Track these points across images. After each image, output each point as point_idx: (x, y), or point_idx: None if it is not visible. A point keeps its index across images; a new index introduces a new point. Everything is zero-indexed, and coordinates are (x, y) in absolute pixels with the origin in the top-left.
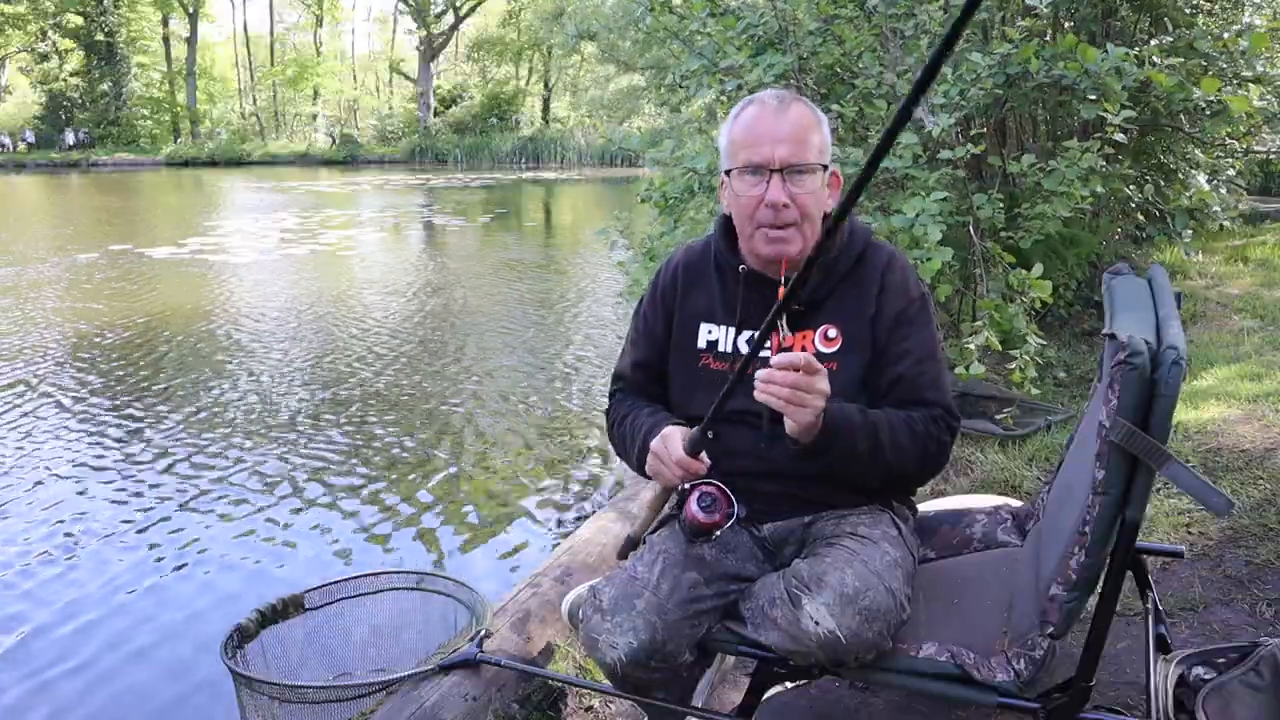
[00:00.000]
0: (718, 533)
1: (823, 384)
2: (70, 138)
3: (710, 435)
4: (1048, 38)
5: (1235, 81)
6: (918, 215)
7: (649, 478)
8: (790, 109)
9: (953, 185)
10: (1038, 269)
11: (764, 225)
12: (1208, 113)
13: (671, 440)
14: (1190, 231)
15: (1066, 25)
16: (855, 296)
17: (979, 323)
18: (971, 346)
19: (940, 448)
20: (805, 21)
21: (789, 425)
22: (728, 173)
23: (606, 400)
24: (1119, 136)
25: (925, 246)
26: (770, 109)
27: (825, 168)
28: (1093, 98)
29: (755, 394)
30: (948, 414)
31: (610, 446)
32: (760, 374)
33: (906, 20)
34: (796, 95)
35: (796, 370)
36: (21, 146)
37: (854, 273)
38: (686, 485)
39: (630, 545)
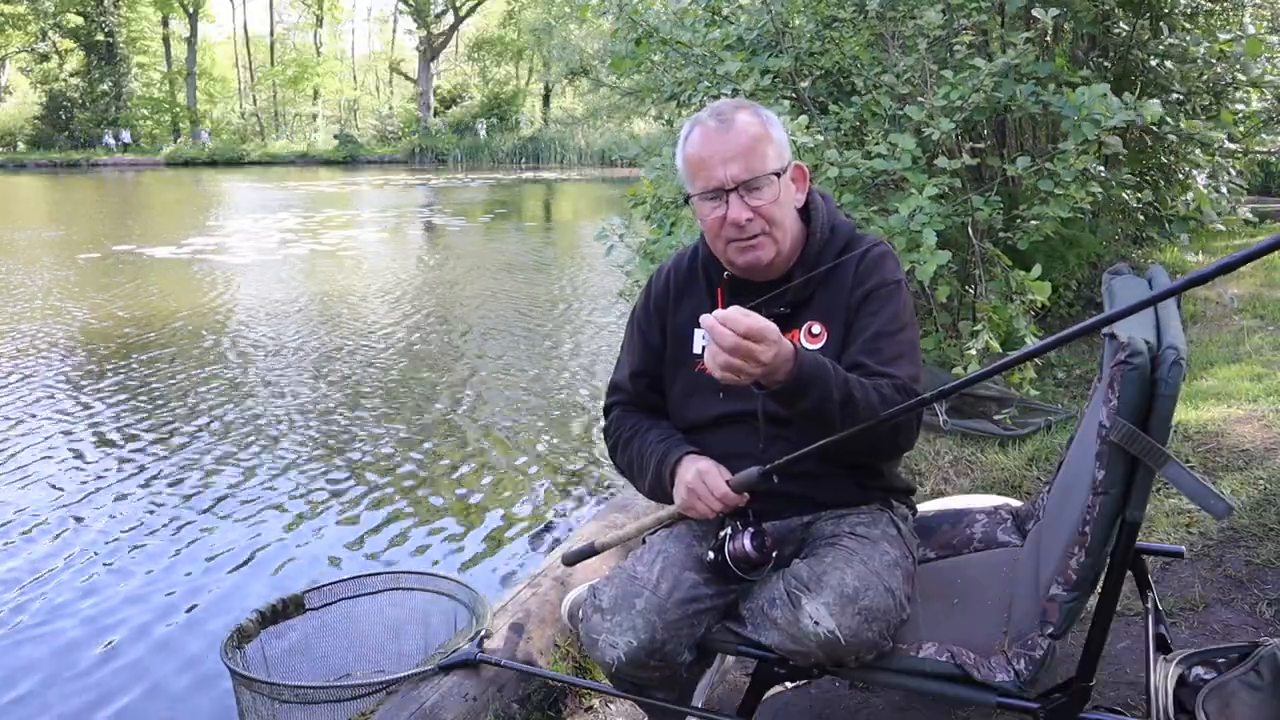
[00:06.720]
0: (757, 571)
1: (763, 350)
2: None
3: (775, 480)
4: (1048, 42)
5: (1233, 85)
6: (913, 214)
7: (657, 500)
8: (734, 123)
9: (951, 187)
10: (1036, 270)
11: (733, 240)
12: (1204, 118)
13: (711, 478)
14: (1187, 237)
15: (1066, 27)
16: (837, 290)
17: (978, 326)
18: (973, 351)
19: (907, 419)
20: (803, 25)
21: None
22: (689, 199)
23: (604, 409)
24: (1113, 140)
25: (922, 250)
26: (712, 129)
27: (782, 172)
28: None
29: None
30: (907, 390)
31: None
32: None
33: (905, 22)
34: (740, 103)
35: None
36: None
37: (836, 268)
38: (726, 521)
39: (586, 554)
